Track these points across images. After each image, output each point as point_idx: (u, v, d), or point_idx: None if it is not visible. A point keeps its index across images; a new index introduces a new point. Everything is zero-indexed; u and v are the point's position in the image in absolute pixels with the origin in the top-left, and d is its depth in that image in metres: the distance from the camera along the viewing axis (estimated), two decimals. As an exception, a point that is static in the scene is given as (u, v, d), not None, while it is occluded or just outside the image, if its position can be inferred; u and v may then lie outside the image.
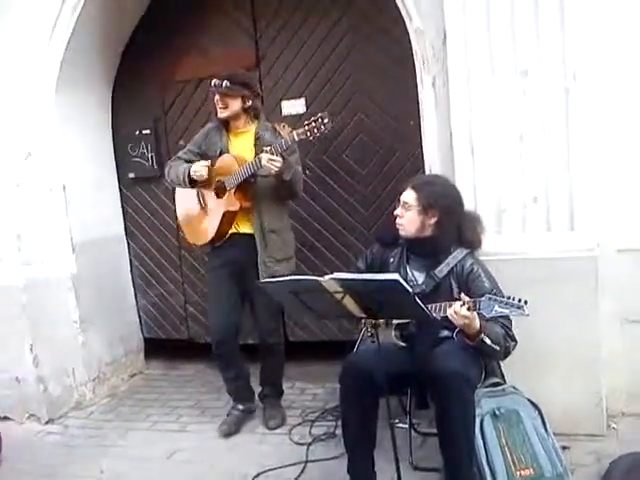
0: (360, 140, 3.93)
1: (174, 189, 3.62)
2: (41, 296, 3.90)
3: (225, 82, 3.22)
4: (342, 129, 3.92)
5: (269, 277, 3.08)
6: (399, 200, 2.67)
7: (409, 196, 2.62)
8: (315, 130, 3.02)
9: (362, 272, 2.76)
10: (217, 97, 3.28)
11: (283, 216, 3.41)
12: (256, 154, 3.22)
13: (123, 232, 4.60)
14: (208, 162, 3.30)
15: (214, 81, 3.26)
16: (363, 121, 3.91)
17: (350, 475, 2.58)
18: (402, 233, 2.67)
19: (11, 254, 3.93)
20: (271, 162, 3.05)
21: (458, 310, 2.33)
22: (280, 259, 3.32)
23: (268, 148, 3.08)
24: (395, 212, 2.66)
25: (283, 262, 3.34)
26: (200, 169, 3.28)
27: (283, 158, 3.10)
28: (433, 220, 2.61)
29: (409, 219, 2.63)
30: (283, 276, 2.98)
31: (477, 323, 2.34)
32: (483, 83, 2.94)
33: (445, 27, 3.02)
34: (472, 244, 2.68)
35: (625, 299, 3.00)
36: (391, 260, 2.76)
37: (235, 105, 3.27)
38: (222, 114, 3.30)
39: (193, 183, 3.33)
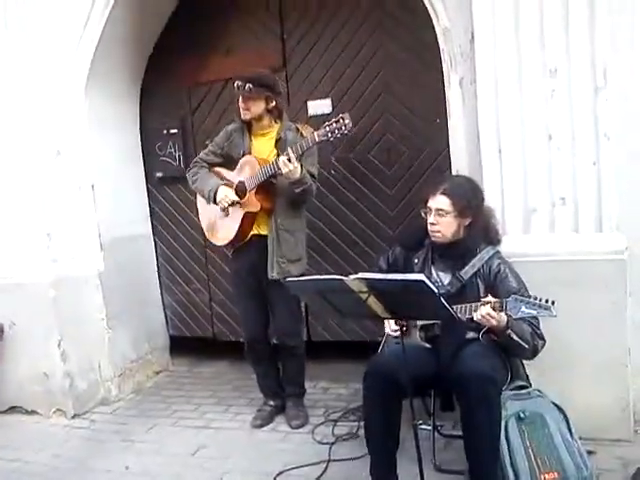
0: (386, 140, 3.91)
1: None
2: (69, 293, 3.97)
3: (248, 85, 3.20)
4: (368, 129, 3.91)
5: (280, 277, 3.12)
6: (429, 208, 2.61)
7: (442, 202, 2.57)
8: (336, 131, 2.99)
9: (384, 271, 2.76)
10: (240, 99, 3.27)
11: (299, 216, 3.40)
12: (278, 155, 3.22)
13: (150, 230, 4.65)
14: (232, 192, 3.30)
15: (237, 83, 3.24)
16: (389, 121, 3.89)
17: (372, 476, 2.57)
18: (438, 240, 2.63)
19: (40, 251, 3.98)
20: (285, 165, 3.04)
21: (484, 313, 2.32)
22: (293, 260, 3.31)
23: (290, 150, 3.06)
24: (429, 221, 2.60)
25: (296, 263, 3.33)
26: (226, 199, 3.29)
27: (301, 165, 3.10)
28: (467, 222, 2.60)
29: (446, 225, 2.59)
30: (296, 276, 3.01)
31: (504, 319, 2.34)
32: (511, 82, 2.91)
33: (473, 26, 3.00)
34: (497, 240, 2.69)
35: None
36: (415, 261, 2.74)
37: (258, 107, 3.26)
38: (245, 116, 3.30)
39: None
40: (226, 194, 3.30)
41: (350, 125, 2.99)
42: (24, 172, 3.95)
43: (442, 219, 2.58)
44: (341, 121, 2.98)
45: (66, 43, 3.94)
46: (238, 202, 3.29)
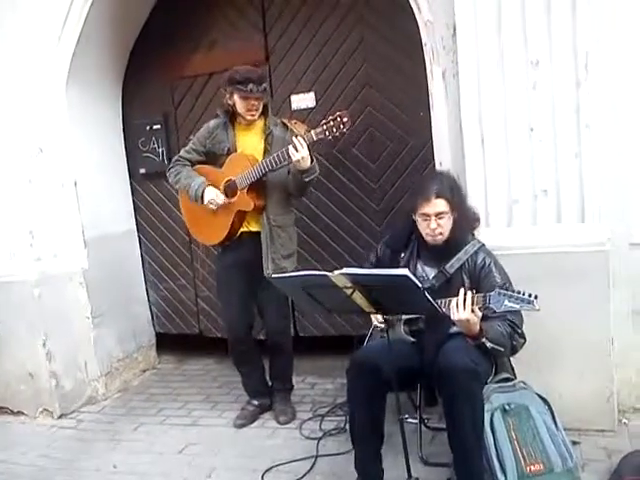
0: (370, 133, 3.91)
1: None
2: (53, 291, 3.94)
3: (264, 85, 3.16)
4: (352, 122, 3.88)
5: (276, 273, 3.08)
6: (425, 215, 2.55)
7: (440, 205, 2.53)
8: (334, 129, 2.95)
9: (373, 267, 2.75)
10: (252, 101, 3.17)
11: (289, 212, 3.40)
12: (266, 150, 3.21)
13: (134, 227, 4.62)
14: (220, 192, 3.25)
15: (250, 86, 3.12)
16: (373, 114, 3.89)
17: (357, 471, 2.56)
18: (439, 241, 2.59)
19: (24, 249, 3.95)
20: (299, 152, 2.98)
21: (453, 304, 2.33)
22: (286, 255, 3.31)
23: (299, 139, 3.01)
24: (431, 227, 2.54)
25: (289, 258, 3.33)
26: (216, 201, 3.23)
27: (311, 158, 3.06)
28: (455, 216, 2.59)
29: (446, 226, 2.57)
30: (289, 271, 2.99)
31: (477, 327, 2.35)
32: (493, 75, 2.91)
33: (455, 18, 2.99)
34: (476, 219, 2.71)
35: (637, 293, 2.98)
36: (402, 255, 2.74)
37: (261, 105, 3.24)
38: (254, 116, 3.23)
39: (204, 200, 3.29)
40: (216, 194, 3.25)
41: (349, 123, 2.96)
42: (6, 170, 3.92)
43: (442, 221, 2.55)
44: (339, 119, 2.94)
45: (46, 39, 3.89)
46: (229, 202, 3.25)
